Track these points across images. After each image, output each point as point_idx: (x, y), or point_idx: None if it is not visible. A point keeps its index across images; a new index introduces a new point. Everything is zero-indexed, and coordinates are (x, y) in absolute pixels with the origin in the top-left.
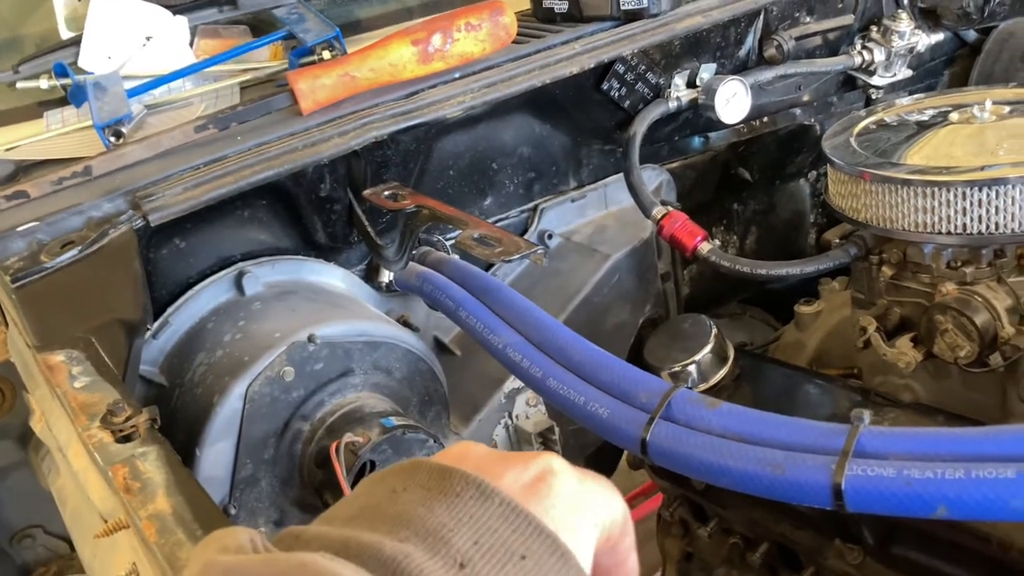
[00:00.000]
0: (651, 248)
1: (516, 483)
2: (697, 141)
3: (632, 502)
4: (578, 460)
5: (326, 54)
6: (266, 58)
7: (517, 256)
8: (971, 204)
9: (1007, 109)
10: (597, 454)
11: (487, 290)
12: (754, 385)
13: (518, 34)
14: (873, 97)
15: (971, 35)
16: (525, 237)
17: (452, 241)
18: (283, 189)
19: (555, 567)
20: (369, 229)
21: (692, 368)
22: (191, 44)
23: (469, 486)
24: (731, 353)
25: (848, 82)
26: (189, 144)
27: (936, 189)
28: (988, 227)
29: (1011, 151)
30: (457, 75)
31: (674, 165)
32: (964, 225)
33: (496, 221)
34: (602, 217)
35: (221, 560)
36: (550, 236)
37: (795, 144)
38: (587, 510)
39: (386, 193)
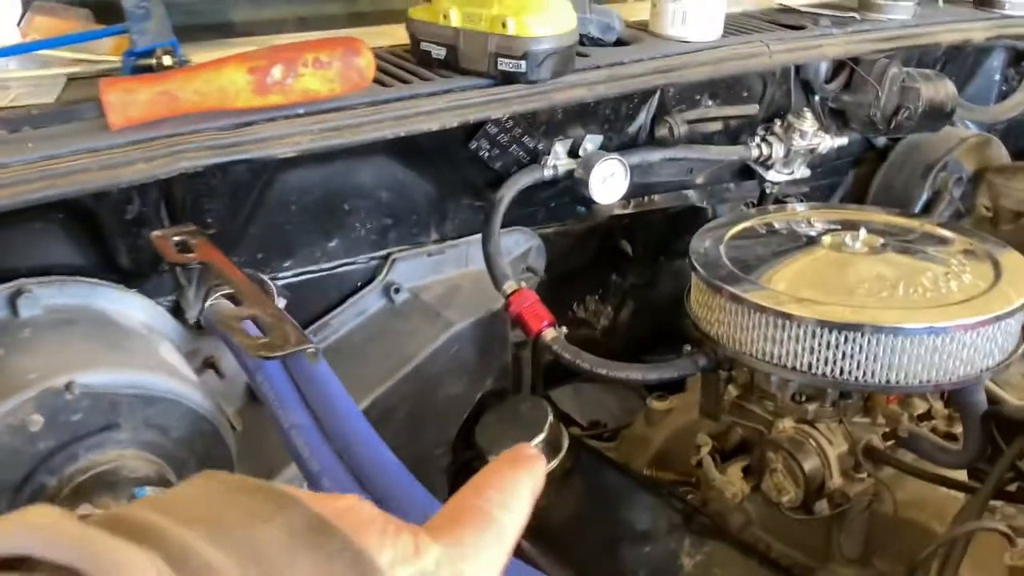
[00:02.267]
0: (501, 320)
1: (396, 565)
2: (577, 209)
3: None
4: None
5: (167, 59)
6: (107, 50)
7: (280, 354)
8: (818, 344)
9: (880, 242)
10: None
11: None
12: (582, 483)
13: (385, 73)
14: (768, 192)
15: (881, 140)
16: (371, 287)
17: (284, 282)
18: (83, 205)
19: None
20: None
21: None
22: (20, 20)
23: (345, 552)
24: (565, 444)
25: (746, 170)
26: None
27: (787, 321)
28: (833, 371)
29: (871, 293)
30: (301, 111)
31: (548, 231)
32: (810, 364)
33: (341, 266)
34: (459, 276)
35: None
36: (397, 290)
37: (684, 224)
38: None
39: (176, 239)
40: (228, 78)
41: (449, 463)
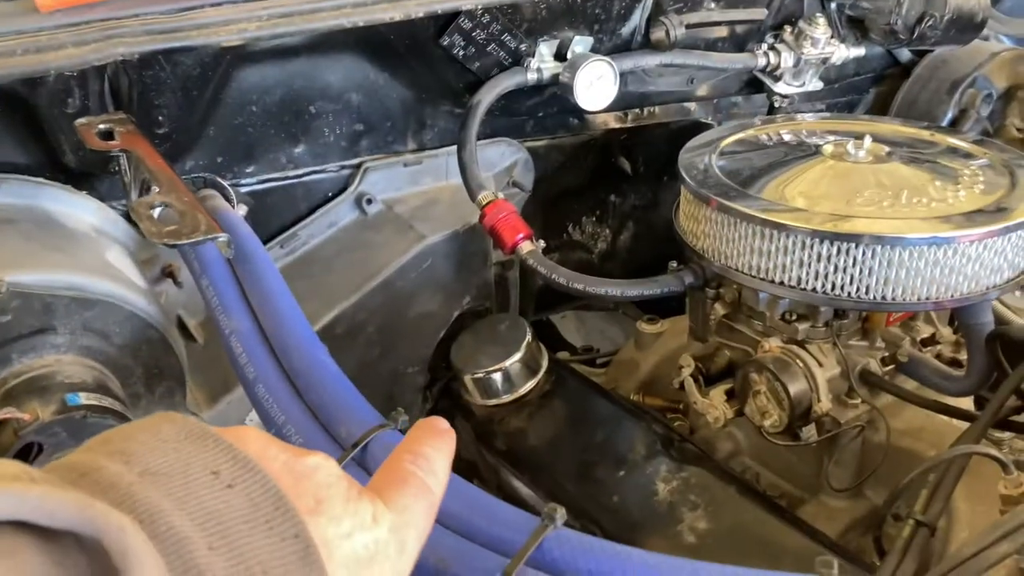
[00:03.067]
0: (480, 235)
1: (355, 533)
2: (569, 121)
3: None
4: None
5: None
6: None
7: (186, 242)
8: (809, 257)
9: (886, 151)
10: None
11: (245, 258)
12: (561, 406)
13: None
14: (777, 106)
15: (905, 54)
16: (342, 197)
17: (247, 189)
18: (18, 95)
19: None
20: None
21: (497, 376)
22: None
23: (298, 540)
24: (544, 364)
25: (755, 83)
26: None
27: (775, 232)
28: (825, 286)
29: (869, 202)
30: None
31: (538, 144)
32: (799, 278)
33: (309, 174)
34: (437, 189)
35: None
36: (369, 201)
37: (687, 141)
38: None
39: (101, 126)
40: None
41: (427, 383)
